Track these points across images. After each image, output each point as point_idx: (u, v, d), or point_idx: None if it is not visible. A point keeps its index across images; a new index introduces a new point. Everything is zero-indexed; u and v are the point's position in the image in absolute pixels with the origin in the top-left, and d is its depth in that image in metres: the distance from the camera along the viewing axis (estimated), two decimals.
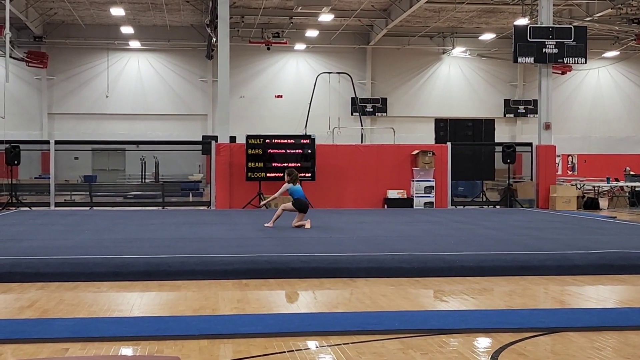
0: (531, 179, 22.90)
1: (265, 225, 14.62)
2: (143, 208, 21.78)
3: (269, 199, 16.10)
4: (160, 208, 21.89)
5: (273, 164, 20.60)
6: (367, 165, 21.70)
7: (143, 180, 30.18)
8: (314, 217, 15.99)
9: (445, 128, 24.56)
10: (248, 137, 20.98)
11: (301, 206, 14.56)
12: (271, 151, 20.78)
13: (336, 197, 21.24)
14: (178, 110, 36.70)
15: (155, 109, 36.50)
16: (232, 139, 22.57)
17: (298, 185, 14.66)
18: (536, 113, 26.25)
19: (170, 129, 36.13)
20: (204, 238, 12.69)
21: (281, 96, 36.85)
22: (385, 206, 21.41)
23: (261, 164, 20.68)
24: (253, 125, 34.15)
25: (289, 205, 14.69)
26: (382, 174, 21.70)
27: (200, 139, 27.66)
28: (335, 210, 20.21)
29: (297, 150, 20.93)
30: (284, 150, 20.88)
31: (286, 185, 14.71)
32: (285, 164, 20.11)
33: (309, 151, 20.96)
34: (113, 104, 36.31)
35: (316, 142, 21.21)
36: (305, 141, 21.22)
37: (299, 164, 20.57)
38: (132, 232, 13.78)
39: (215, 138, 21.99)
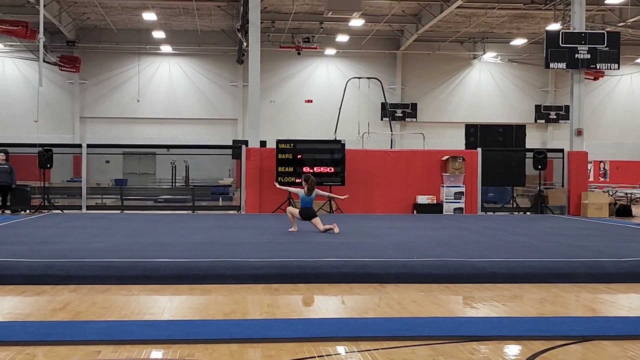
0: (562, 186, 22.73)
1: (290, 230, 14.68)
2: (173, 212, 21.92)
3: (282, 187, 16.03)
4: (190, 212, 22.00)
5: (303, 169, 20.63)
6: (397, 170, 21.66)
7: (173, 184, 30.41)
8: (343, 221, 15.99)
9: (476, 134, 24.45)
10: (278, 141, 21.02)
11: (305, 215, 14.67)
12: (301, 156, 20.82)
13: (366, 202, 21.21)
14: (208, 114, 36.92)
15: (185, 113, 36.76)
16: (262, 143, 22.65)
17: (310, 196, 14.72)
18: (568, 119, 26.05)
19: (201, 133, 36.32)
20: (234, 242, 12.73)
21: (311, 101, 36.95)
22: (415, 212, 21.35)
23: (291, 169, 20.71)
24: (283, 129, 34.24)
25: (295, 211, 14.86)
26: (412, 180, 21.65)
27: (231, 143, 27.81)
28: (364, 215, 20.20)
29: (327, 155, 20.95)
30: (314, 155, 20.92)
31: (299, 191, 14.97)
32: (315, 169, 20.22)
33: (339, 156, 20.96)
34: (144, 108, 36.61)
35: (346, 147, 21.22)
36: (335, 146, 21.24)
37: (329, 169, 20.65)
38: (162, 236, 13.85)
39: (245, 142, 22.07)
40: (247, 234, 14.29)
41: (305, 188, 14.69)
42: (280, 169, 20.68)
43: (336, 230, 14.26)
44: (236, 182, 25.83)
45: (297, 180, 20.39)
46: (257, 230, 15.25)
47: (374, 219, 18.64)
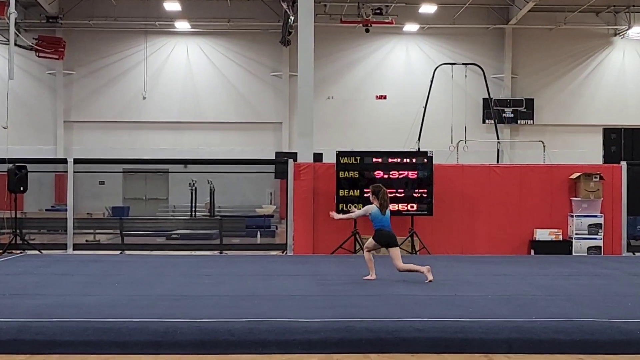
0: None
1: (365, 278, 14.70)
2: (194, 252, 22.04)
3: (343, 216, 15.96)
4: (217, 252, 22.11)
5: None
6: (506, 193, 21.49)
7: (193, 213, 30.54)
8: (431, 266, 15.94)
9: (619, 141, 24.20)
10: (339, 154, 20.94)
11: (383, 239, 14.58)
12: (371, 174, 20.79)
13: (462, 239, 21.06)
14: (242, 116, 37.12)
15: (210, 116, 37.01)
16: (317, 156, 22.72)
17: (386, 214, 14.64)
18: None
19: (231, 142, 36.54)
20: (279, 295, 12.75)
21: (384, 97, 36.99)
22: (532, 251, 21.18)
23: (357, 192, 20.60)
24: (345, 137, 34.35)
25: (370, 242, 14.74)
26: (528, 206, 21.46)
27: (273, 157, 27.91)
28: (460, 257, 20.11)
29: (407, 173, 20.88)
30: (389, 173, 20.84)
31: (368, 208, 14.77)
32: (391, 191, 20.15)
33: (425, 174, 20.89)
34: (152, 108, 36.97)
35: (434, 162, 21.14)
36: (418, 160, 21.18)
37: (412, 192, 20.58)
38: (179, 286, 13.93)
39: (293, 155, 22.10)
40: (297, 284, 14.34)
41: (377, 203, 14.62)
42: (341, 192, 20.61)
43: (429, 277, 14.25)
44: (280, 211, 25.93)
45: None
46: (311, 278, 15.29)
47: (473, 263, 18.56)
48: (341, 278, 15.06)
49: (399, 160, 20.98)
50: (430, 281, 14.18)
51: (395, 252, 14.54)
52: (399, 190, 20.56)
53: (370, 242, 14.76)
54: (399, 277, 14.51)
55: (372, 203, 14.80)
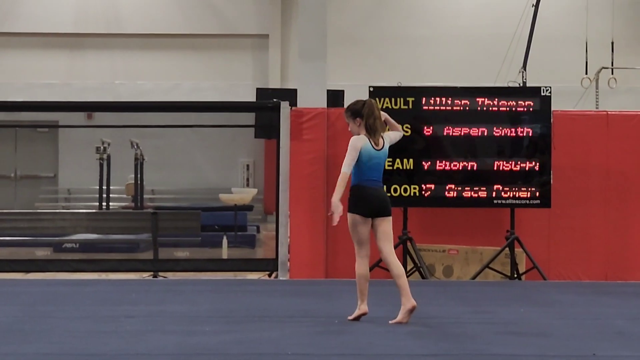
0: None
1: (351, 317, 14.89)
2: (104, 275, 22.10)
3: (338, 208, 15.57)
4: (148, 275, 22.08)
5: (440, 164, 20.36)
6: None
7: (104, 202, 30.46)
8: (548, 302, 15.87)
9: None
10: (375, 92, 20.76)
11: (369, 204, 14.49)
12: (435, 130, 20.60)
13: (607, 253, 20.88)
14: (195, 26, 37.34)
15: (135, 24, 37.10)
16: (335, 96, 22.61)
17: (383, 148, 14.57)
18: None
19: (176, 73, 36.67)
20: (263, 356, 12.55)
21: None
22: None
23: (409, 164, 20.47)
24: (386, 62, 34.38)
25: (353, 223, 14.53)
26: None
27: (252, 99, 27.88)
28: (604, 285, 20.25)
29: (503, 129, 20.64)
30: (466, 129, 20.68)
31: (356, 144, 14.47)
32: (470, 166, 19.93)
33: (537, 130, 20.71)
34: (29, 9, 36.89)
35: (553, 108, 20.92)
36: (523, 105, 20.89)
37: (508, 165, 20.32)
38: (77, 339, 13.77)
39: (289, 96, 21.94)
40: (297, 334, 14.20)
41: (363, 130, 14.48)
42: None
43: (400, 317, 14.31)
44: (265, 200, 25.90)
45: (425, 190, 20.22)
46: (323, 323, 15.25)
47: (629, 296, 18.72)
48: (380, 322, 14.86)
49: (486, 104, 20.79)
50: (398, 322, 14.35)
51: (388, 227, 14.58)
52: (487, 161, 20.48)
53: (353, 223, 14.51)
54: (476, 317, 14.32)
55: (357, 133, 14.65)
